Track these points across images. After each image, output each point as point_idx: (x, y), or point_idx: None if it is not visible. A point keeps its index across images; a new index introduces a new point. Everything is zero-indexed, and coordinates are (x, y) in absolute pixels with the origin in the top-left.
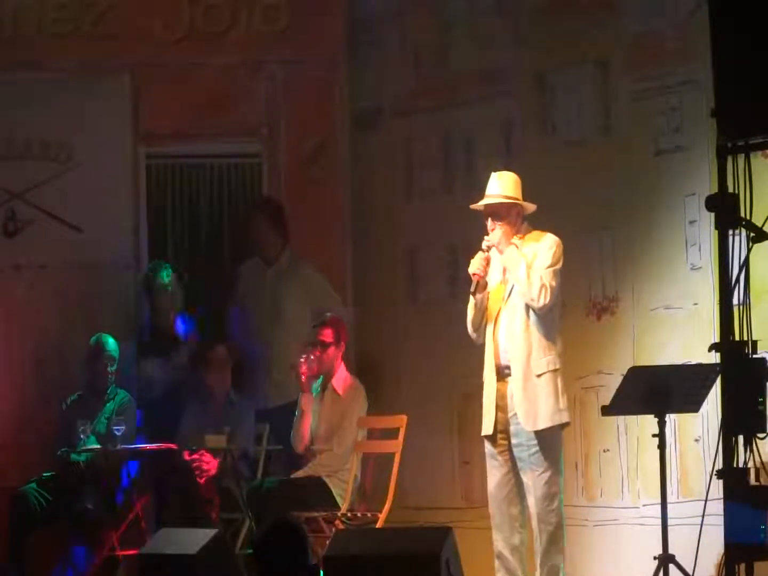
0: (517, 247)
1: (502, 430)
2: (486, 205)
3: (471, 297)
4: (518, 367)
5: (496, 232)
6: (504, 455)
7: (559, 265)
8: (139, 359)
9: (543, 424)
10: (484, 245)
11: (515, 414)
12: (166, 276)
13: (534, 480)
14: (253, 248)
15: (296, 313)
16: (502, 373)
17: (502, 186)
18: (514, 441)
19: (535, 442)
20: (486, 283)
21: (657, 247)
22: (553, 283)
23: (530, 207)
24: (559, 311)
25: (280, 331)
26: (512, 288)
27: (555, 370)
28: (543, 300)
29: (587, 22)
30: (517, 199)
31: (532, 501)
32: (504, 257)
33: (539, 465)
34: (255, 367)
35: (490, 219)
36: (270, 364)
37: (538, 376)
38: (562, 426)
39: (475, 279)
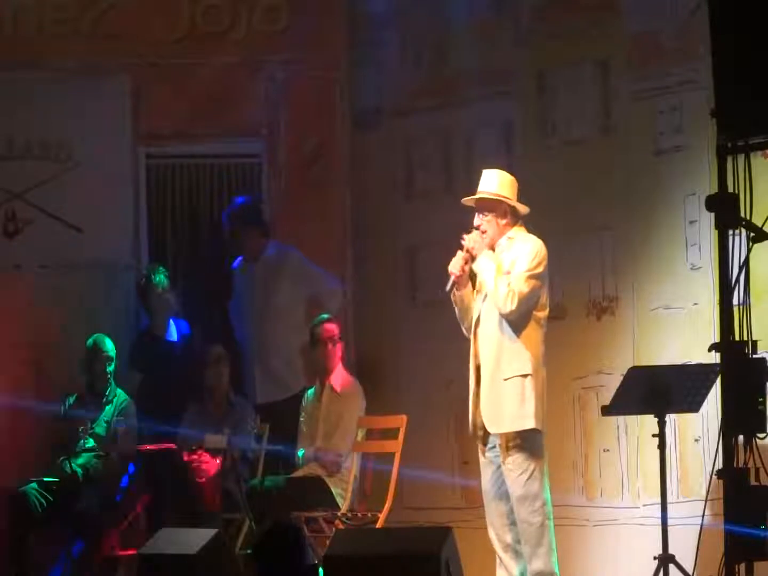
0: (494, 250)
1: (483, 429)
2: (474, 200)
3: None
4: (487, 370)
5: (472, 236)
6: (492, 452)
7: (537, 270)
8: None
9: (504, 428)
10: (464, 243)
11: None
12: (161, 280)
13: (512, 481)
14: (235, 248)
15: (289, 304)
16: (480, 374)
17: (485, 183)
18: (489, 444)
19: (511, 444)
20: (467, 282)
21: (657, 247)
22: (525, 289)
23: (521, 207)
24: (542, 315)
25: (275, 325)
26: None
27: (525, 375)
28: (510, 306)
29: (587, 22)
30: (502, 197)
31: (513, 502)
32: (476, 263)
33: (516, 467)
34: (254, 363)
35: (476, 213)
36: (268, 358)
37: (505, 379)
38: (532, 431)
39: (451, 278)
